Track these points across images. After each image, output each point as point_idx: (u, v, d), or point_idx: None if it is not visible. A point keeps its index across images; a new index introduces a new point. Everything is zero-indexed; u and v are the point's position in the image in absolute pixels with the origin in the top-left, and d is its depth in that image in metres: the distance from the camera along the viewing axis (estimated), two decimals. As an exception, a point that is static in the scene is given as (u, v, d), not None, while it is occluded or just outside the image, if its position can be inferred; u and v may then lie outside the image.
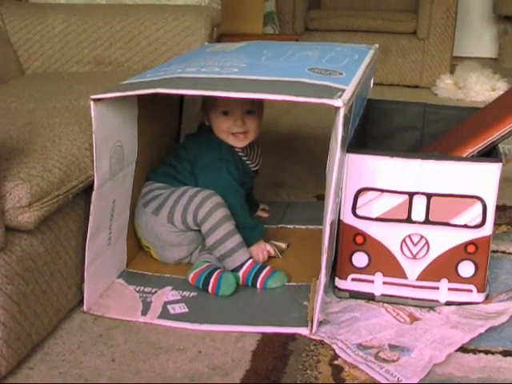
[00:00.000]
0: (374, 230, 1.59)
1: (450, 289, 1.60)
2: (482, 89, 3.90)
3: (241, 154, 1.84)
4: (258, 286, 1.67)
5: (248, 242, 1.75)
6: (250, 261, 1.69)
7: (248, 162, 1.86)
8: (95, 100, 1.47)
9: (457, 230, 1.55)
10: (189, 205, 1.70)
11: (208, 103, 1.80)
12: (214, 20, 2.42)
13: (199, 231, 1.73)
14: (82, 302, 1.58)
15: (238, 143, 1.81)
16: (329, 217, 1.42)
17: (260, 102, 1.82)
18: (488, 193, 1.53)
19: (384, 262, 1.60)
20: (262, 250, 1.78)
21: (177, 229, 1.73)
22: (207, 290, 1.64)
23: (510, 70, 4.44)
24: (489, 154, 1.62)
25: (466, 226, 1.55)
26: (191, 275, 1.67)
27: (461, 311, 1.57)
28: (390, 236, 1.59)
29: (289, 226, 2.05)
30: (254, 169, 1.90)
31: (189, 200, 1.71)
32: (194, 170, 1.79)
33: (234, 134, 1.79)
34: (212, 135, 1.82)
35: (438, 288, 1.60)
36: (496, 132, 1.59)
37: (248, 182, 1.90)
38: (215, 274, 1.64)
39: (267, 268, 1.69)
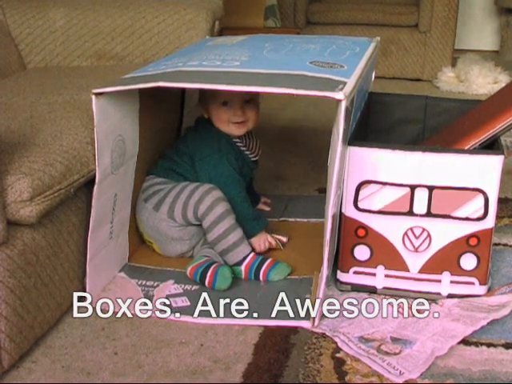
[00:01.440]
0: (376, 223, 1.59)
1: (452, 281, 1.60)
2: (483, 82, 3.89)
3: (239, 144, 1.84)
4: (260, 278, 1.68)
5: (250, 233, 1.75)
6: (252, 254, 1.70)
7: (247, 153, 1.86)
8: (96, 94, 1.47)
9: (459, 223, 1.55)
10: (188, 200, 1.70)
11: (207, 95, 1.80)
12: (216, 14, 2.42)
13: (200, 225, 1.73)
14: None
15: (238, 131, 1.81)
16: (330, 210, 1.42)
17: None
18: (490, 185, 1.53)
19: (386, 254, 1.60)
20: (263, 240, 1.79)
21: (178, 224, 1.73)
22: (204, 284, 1.64)
23: (512, 63, 4.43)
24: (491, 146, 1.62)
25: (467, 219, 1.55)
26: (189, 269, 1.67)
27: (463, 304, 1.57)
28: (391, 229, 1.59)
29: (290, 220, 2.05)
30: (254, 159, 1.90)
31: (188, 196, 1.71)
32: (193, 163, 1.79)
33: (233, 123, 1.79)
34: (210, 127, 1.82)
35: (439, 281, 1.60)
36: (498, 124, 1.59)
37: (248, 172, 1.90)
38: (212, 267, 1.64)
39: (269, 260, 1.70)
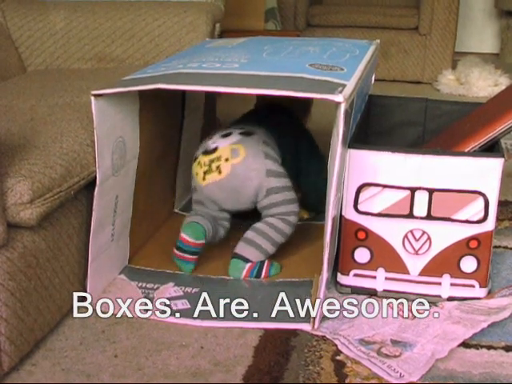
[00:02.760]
0: (376, 226, 1.59)
1: (452, 284, 1.60)
2: (484, 84, 3.89)
3: None
4: (262, 276, 1.72)
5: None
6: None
7: None
8: (96, 95, 1.47)
9: (459, 226, 1.55)
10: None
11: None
12: (216, 16, 2.42)
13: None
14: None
15: None
16: (331, 212, 1.42)
17: None
18: (490, 188, 1.53)
19: (386, 257, 1.60)
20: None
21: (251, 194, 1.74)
22: (183, 244, 1.72)
23: (513, 65, 4.43)
24: (491, 149, 1.62)
25: (468, 222, 1.55)
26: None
27: (463, 306, 1.57)
28: (391, 231, 1.58)
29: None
30: None
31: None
32: (293, 167, 1.88)
33: None
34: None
35: (440, 283, 1.60)
36: (498, 127, 1.59)
37: None
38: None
39: (266, 261, 1.73)
